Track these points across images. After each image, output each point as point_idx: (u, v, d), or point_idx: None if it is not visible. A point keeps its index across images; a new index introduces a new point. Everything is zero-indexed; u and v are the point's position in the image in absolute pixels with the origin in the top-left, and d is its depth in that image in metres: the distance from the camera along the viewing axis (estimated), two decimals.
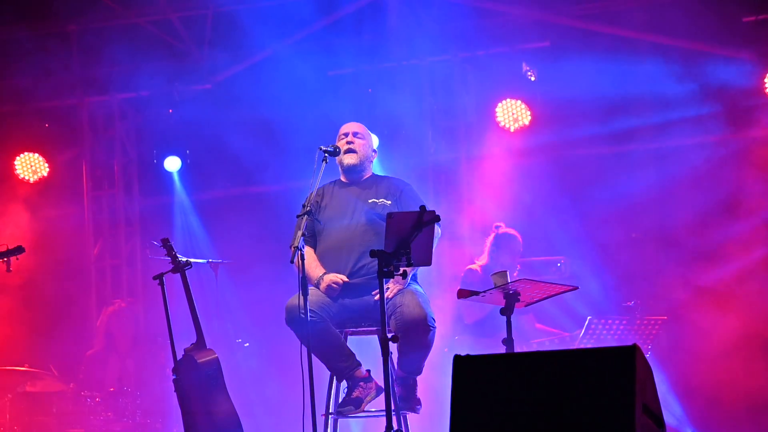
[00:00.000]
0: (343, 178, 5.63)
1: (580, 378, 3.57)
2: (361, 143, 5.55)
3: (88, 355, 7.90)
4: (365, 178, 5.60)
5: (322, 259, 5.40)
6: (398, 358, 5.21)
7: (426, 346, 5.19)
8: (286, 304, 5.25)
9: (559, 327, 7.08)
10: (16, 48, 8.40)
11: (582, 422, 3.49)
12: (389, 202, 5.43)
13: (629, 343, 3.63)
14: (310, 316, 5.07)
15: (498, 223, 7.20)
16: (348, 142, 5.52)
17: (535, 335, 6.90)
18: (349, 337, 5.42)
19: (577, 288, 5.28)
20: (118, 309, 8.01)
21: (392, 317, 5.16)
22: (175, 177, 8.75)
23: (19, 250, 6.23)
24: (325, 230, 5.45)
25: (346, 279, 5.28)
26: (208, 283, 7.79)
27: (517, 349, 6.57)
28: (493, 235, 7.12)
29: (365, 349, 5.70)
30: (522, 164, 8.08)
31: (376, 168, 5.81)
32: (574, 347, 6.41)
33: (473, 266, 7.10)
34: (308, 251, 5.35)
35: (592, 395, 3.52)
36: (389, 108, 8.02)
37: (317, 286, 5.31)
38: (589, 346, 6.35)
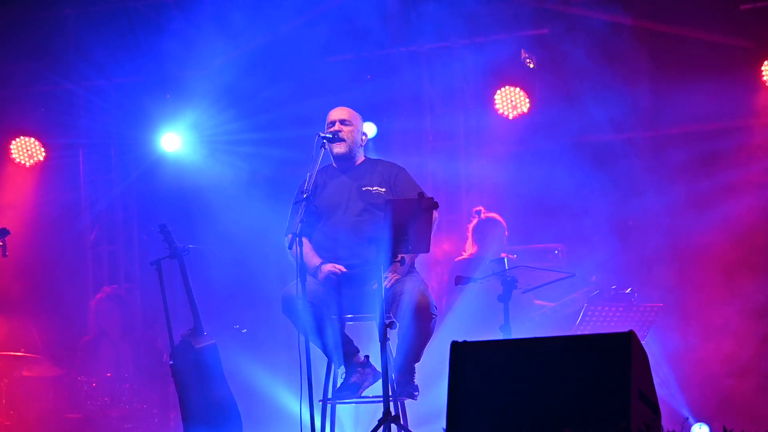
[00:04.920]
0: (334, 165, 5.58)
1: (577, 364, 3.59)
2: (348, 130, 5.46)
3: (83, 341, 7.90)
4: (357, 164, 5.54)
5: (318, 249, 5.38)
6: (398, 345, 5.21)
7: (427, 334, 5.19)
8: (282, 293, 5.25)
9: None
10: (11, 32, 8.36)
11: (578, 408, 3.51)
12: (383, 189, 5.38)
13: (626, 330, 3.64)
14: (307, 305, 5.07)
15: (478, 208, 7.17)
16: (335, 131, 5.44)
17: (536, 310, 6.92)
18: (347, 324, 5.42)
19: (574, 275, 5.31)
20: (105, 296, 8.00)
21: (393, 305, 5.15)
22: (173, 159, 8.69)
23: (3, 232, 6.16)
24: (320, 219, 5.42)
25: (343, 269, 5.26)
26: (206, 269, 7.79)
27: (519, 323, 6.63)
28: (475, 221, 7.10)
29: (365, 335, 5.71)
30: (520, 151, 8.07)
31: (372, 154, 5.78)
32: (572, 332, 6.43)
33: (461, 257, 7.11)
34: (304, 240, 5.32)
35: (588, 381, 3.54)
36: (388, 95, 8.00)
37: (314, 275, 5.30)
38: (585, 332, 6.37)
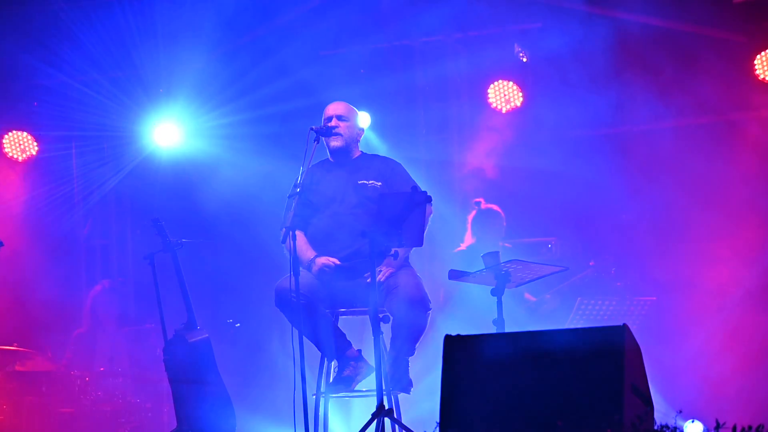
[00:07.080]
0: (331, 159, 5.61)
1: (570, 357, 3.59)
2: (345, 125, 5.52)
3: (75, 335, 7.89)
4: (353, 158, 5.58)
5: (313, 243, 5.39)
6: (391, 339, 5.23)
7: (421, 328, 5.21)
8: (275, 286, 5.26)
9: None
10: (3, 24, 8.33)
11: (572, 401, 3.52)
12: (379, 183, 5.42)
13: (619, 323, 3.64)
14: (300, 299, 5.08)
15: (478, 199, 7.19)
16: (332, 126, 5.49)
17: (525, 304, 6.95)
18: (340, 318, 5.43)
19: (567, 269, 5.32)
20: (102, 289, 8.00)
21: (387, 298, 5.16)
22: (167, 153, 8.66)
23: None
24: (315, 213, 5.44)
25: (337, 262, 5.28)
26: (199, 263, 7.78)
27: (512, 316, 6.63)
28: (474, 212, 7.13)
29: (358, 329, 5.72)
30: (513, 145, 8.08)
31: (368, 147, 5.79)
32: (565, 325, 6.45)
33: (459, 248, 7.12)
34: (298, 234, 5.33)
35: (581, 374, 3.54)
36: (381, 88, 8.00)
37: (308, 268, 5.31)
38: (579, 326, 6.38)
